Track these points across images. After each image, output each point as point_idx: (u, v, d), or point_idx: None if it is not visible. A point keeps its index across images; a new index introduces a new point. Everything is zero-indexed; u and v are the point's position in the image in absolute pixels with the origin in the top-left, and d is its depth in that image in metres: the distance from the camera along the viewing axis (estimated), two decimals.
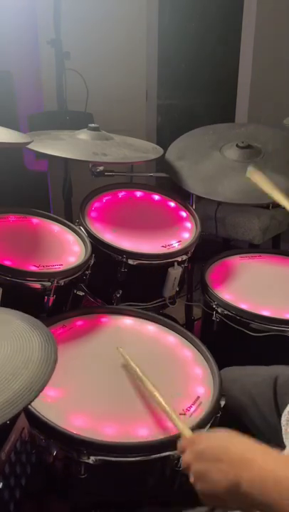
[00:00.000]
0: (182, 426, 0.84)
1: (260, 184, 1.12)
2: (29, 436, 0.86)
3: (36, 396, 0.67)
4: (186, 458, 0.73)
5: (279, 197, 1.09)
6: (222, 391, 1.02)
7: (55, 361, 0.74)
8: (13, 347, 0.76)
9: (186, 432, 0.83)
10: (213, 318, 1.39)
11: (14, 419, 0.83)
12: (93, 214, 1.57)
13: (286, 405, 0.96)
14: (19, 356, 0.74)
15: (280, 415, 1.02)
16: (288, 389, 1.07)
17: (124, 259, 1.40)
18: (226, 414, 1.00)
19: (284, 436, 0.90)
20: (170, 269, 1.47)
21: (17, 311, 0.90)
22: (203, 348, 1.16)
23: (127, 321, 1.28)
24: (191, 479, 0.71)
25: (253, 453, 0.67)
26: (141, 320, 1.29)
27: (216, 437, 0.73)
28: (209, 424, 0.96)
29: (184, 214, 1.68)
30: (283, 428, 0.91)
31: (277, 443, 0.97)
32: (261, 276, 1.57)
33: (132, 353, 1.15)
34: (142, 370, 1.00)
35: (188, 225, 1.63)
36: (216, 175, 1.64)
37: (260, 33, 3.08)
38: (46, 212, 1.56)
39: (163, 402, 0.91)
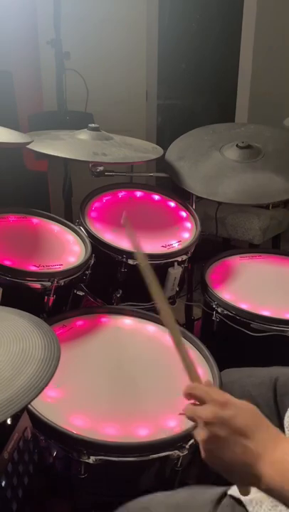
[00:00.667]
0: (189, 361, 0.79)
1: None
2: (32, 436, 0.87)
3: (38, 394, 0.67)
4: (208, 413, 0.69)
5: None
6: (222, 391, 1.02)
7: (58, 359, 0.74)
8: (15, 345, 0.76)
9: (196, 374, 0.77)
10: (213, 318, 1.39)
11: (17, 419, 0.83)
12: (93, 214, 1.57)
13: (287, 406, 0.96)
14: (22, 354, 0.74)
15: (280, 416, 1.02)
16: (287, 390, 1.07)
17: (124, 259, 1.40)
18: None
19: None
20: (170, 269, 1.47)
21: (19, 310, 0.91)
22: (203, 348, 1.16)
23: (127, 321, 1.28)
24: (201, 435, 0.68)
25: (276, 438, 0.67)
26: (141, 320, 1.29)
27: (246, 410, 0.70)
28: None
29: (184, 214, 1.68)
30: (286, 430, 0.91)
31: None
32: (261, 276, 1.57)
33: (132, 353, 1.15)
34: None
35: (188, 225, 1.63)
36: (216, 175, 1.65)
37: (260, 33, 3.08)
38: (46, 213, 1.56)
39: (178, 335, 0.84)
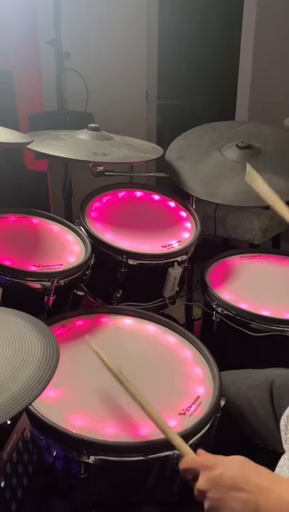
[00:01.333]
0: (180, 441, 0.82)
1: (257, 187, 1.10)
2: (31, 436, 0.86)
3: (37, 395, 0.67)
4: (200, 483, 0.71)
5: (276, 202, 1.06)
6: (222, 391, 1.02)
7: (57, 360, 0.74)
8: (14, 346, 0.76)
9: (187, 449, 0.80)
10: (213, 318, 1.39)
11: (16, 419, 0.83)
12: (93, 214, 1.57)
13: (283, 408, 0.96)
14: (20, 355, 0.74)
15: (277, 419, 1.02)
16: (285, 392, 1.07)
17: (124, 259, 1.40)
18: (223, 418, 1.00)
19: (283, 441, 0.90)
20: (170, 269, 1.47)
21: (17, 311, 0.90)
22: (203, 348, 1.16)
23: (127, 321, 1.28)
24: (205, 505, 0.70)
25: (270, 482, 0.67)
26: (141, 320, 1.29)
27: (232, 463, 0.71)
28: (209, 424, 0.96)
29: (184, 214, 1.68)
30: (282, 433, 0.91)
31: (275, 447, 0.98)
32: (261, 276, 1.57)
33: (132, 353, 1.15)
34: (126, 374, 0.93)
35: (188, 225, 1.63)
36: (216, 176, 1.64)
37: (260, 33, 3.08)
38: (46, 212, 1.56)
39: (155, 414, 0.85)
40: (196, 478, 0.73)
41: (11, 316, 0.88)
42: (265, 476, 0.69)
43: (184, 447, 0.80)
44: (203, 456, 0.76)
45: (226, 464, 0.71)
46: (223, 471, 0.69)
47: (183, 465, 0.76)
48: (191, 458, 0.77)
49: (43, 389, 0.68)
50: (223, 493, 0.67)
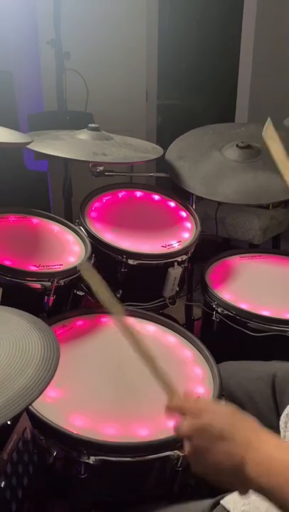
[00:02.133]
0: (168, 380, 0.79)
1: (272, 147, 1.02)
2: (31, 436, 0.86)
3: (38, 395, 0.67)
4: (185, 427, 0.69)
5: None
6: (222, 391, 1.02)
7: (58, 360, 0.74)
8: (14, 346, 0.76)
9: (174, 389, 0.77)
10: (213, 318, 1.39)
11: (16, 419, 0.83)
12: (93, 214, 1.57)
13: (285, 404, 0.96)
14: (21, 355, 0.74)
15: (278, 413, 1.01)
16: (286, 387, 1.06)
17: (124, 259, 1.40)
18: None
19: (282, 437, 0.90)
20: (170, 269, 1.47)
21: (17, 310, 0.90)
22: (203, 348, 1.16)
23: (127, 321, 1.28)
24: (187, 449, 0.68)
25: (258, 436, 0.66)
26: (141, 320, 1.29)
27: (221, 413, 0.70)
28: None
29: (184, 214, 1.68)
30: (282, 431, 0.91)
31: None
32: (261, 276, 1.57)
33: (131, 353, 1.15)
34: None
35: (188, 225, 1.63)
36: (216, 175, 1.65)
37: (260, 33, 3.08)
38: (46, 212, 1.56)
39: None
40: (179, 417, 0.72)
41: (12, 315, 0.88)
42: (254, 429, 0.67)
43: (172, 388, 0.78)
44: (191, 401, 0.74)
45: (214, 412, 0.70)
46: (211, 420, 0.68)
47: (167, 406, 0.74)
48: (174, 400, 0.75)
49: (44, 389, 0.68)
50: (209, 443, 0.66)
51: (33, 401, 0.66)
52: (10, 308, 0.93)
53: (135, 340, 0.81)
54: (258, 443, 0.65)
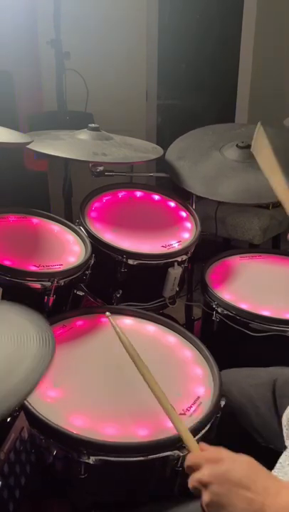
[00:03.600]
0: (187, 434, 0.80)
1: (261, 159, 1.01)
2: (29, 436, 0.86)
3: (34, 388, 0.66)
4: (205, 474, 0.68)
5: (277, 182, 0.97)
6: (222, 391, 1.02)
7: (53, 352, 0.73)
8: (9, 340, 0.76)
9: (193, 444, 0.78)
10: (213, 318, 1.39)
11: (13, 418, 0.82)
12: (93, 214, 1.57)
13: (285, 406, 0.96)
14: (16, 349, 0.73)
15: (279, 417, 1.01)
16: (287, 390, 1.07)
17: (124, 259, 1.40)
18: (225, 416, 1.00)
19: (285, 436, 0.90)
20: (170, 269, 1.47)
21: (12, 304, 0.90)
22: (203, 348, 1.16)
23: (127, 321, 1.28)
24: (205, 498, 0.68)
25: (276, 483, 0.67)
26: (141, 320, 1.29)
27: (240, 462, 0.69)
28: (209, 424, 0.96)
29: (184, 214, 1.68)
30: (284, 429, 0.91)
31: (277, 446, 0.98)
32: (261, 276, 1.57)
33: None
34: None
35: (188, 225, 1.63)
36: (216, 175, 1.64)
37: (260, 33, 3.08)
38: (46, 212, 1.56)
39: (167, 403, 0.84)
40: (197, 471, 0.71)
41: (5, 311, 0.88)
42: (273, 478, 0.68)
43: (192, 442, 0.78)
44: (209, 450, 0.74)
45: (233, 462, 0.69)
46: (230, 467, 0.68)
47: (188, 462, 0.74)
48: (193, 455, 0.75)
49: (39, 381, 0.67)
50: (228, 490, 0.66)
51: (28, 394, 0.65)
52: (8, 303, 0.93)
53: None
54: (277, 489, 0.65)
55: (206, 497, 0.67)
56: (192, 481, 0.71)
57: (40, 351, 0.73)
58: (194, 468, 0.71)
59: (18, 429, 0.83)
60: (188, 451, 0.78)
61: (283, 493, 0.65)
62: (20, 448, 0.83)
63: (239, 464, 0.69)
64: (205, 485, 0.68)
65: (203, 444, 0.78)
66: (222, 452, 0.72)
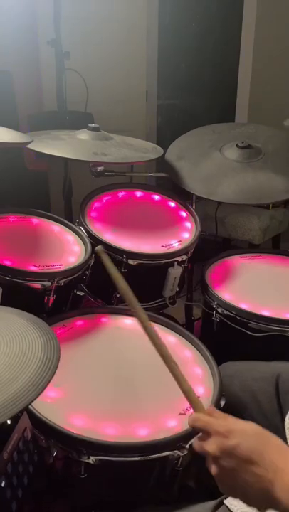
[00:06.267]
0: (198, 400, 0.77)
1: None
2: (32, 436, 0.86)
3: (38, 395, 0.67)
4: (213, 447, 0.68)
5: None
6: (222, 391, 1.02)
7: (58, 360, 0.74)
8: (14, 345, 0.76)
9: (200, 406, 0.76)
10: (213, 318, 1.39)
11: (17, 419, 0.83)
12: (93, 214, 1.57)
13: None
14: (21, 355, 0.74)
15: (282, 414, 1.01)
16: None
17: (124, 259, 1.40)
18: (226, 411, 0.99)
19: (288, 438, 0.90)
20: (170, 269, 1.47)
21: (18, 310, 0.90)
22: (203, 348, 1.16)
23: (127, 321, 1.28)
24: (213, 469, 0.68)
25: (286, 457, 0.66)
26: None
27: (251, 435, 0.69)
28: None
29: (184, 214, 1.68)
30: (287, 431, 0.91)
31: None
32: (261, 276, 1.57)
33: (132, 353, 1.15)
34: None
35: (188, 225, 1.63)
36: (216, 175, 1.65)
37: (260, 33, 3.08)
38: (46, 212, 1.56)
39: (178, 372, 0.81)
40: (204, 437, 0.70)
41: (12, 315, 0.88)
42: (282, 449, 0.67)
43: (198, 403, 0.76)
44: (217, 421, 0.72)
45: (242, 433, 0.69)
46: (239, 441, 0.67)
47: (191, 422, 0.73)
48: (200, 417, 0.73)
49: (44, 389, 0.68)
50: (237, 465, 0.65)
51: (32, 401, 0.66)
52: (9, 308, 0.93)
53: (158, 345, 0.82)
54: (285, 463, 0.65)
55: (213, 469, 0.68)
56: (198, 446, 0.70)
57: (45, 355, 0.74)
58: (201, 433, 0.71)
59: (21, 430, 0.84)
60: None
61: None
62: (23, 448, 0.84)
63: (248, 437, 0.68)
64: (214, 457, 0.68)
65: (212, 407, 0.77)
66: (230, 423, 0.71)
